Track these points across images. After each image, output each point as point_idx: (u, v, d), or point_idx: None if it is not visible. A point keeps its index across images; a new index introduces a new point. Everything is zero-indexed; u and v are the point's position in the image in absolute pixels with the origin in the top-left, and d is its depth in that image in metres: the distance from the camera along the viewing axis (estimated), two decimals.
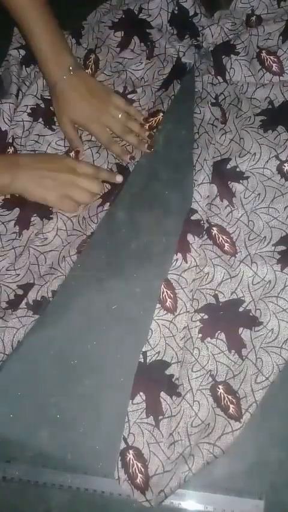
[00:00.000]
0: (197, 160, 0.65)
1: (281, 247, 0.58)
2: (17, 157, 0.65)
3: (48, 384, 0.56)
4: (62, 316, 0.60)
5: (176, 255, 0.60)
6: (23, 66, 0.75)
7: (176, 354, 0.55)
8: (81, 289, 0.61)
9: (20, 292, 0.59)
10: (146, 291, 0.60)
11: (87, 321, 0.59)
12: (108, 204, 0.65)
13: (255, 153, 0.63)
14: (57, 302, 0.60)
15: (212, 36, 0.74)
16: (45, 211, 0.64)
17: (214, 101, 0.69)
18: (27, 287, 0.60)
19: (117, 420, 0.53)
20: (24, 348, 0.58)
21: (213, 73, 0.71)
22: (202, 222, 0.61)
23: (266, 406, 0.53)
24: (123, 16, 0.76)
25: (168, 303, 0.58)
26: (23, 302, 0.58)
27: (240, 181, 0.63)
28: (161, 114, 0.70)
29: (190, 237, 0.60)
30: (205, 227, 0.61)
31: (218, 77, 0.71)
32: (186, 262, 0.59)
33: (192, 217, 0.61)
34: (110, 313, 0.59)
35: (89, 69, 0.74)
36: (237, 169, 0.63)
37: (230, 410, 0.51)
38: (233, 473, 0.52)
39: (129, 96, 0.71)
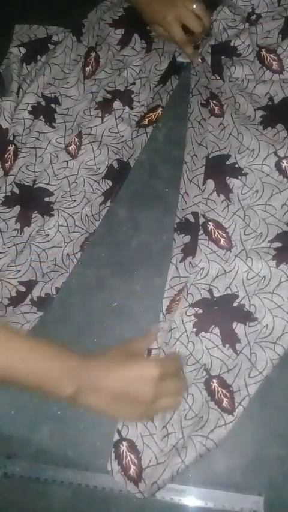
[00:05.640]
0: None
1: (277, 244, 0.58)
2: (87, 372, 0.48)
3: None
4: (63, 313, 0.60)
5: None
6: (24, 63, 0.75)
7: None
8: (82, 287, 0.61)
9: (22, 288, 0.60)
10: (147, 288, 0.60)
11: (88, 318, 0.59)
12: (109, 201, 0.65)
13: (253, 149, 0.63)
14: (59, 299, 0.60)
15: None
16: (46, 208, 0.65)
17: (204, 102, 0.69)
18: (29, 284, 0.60)
19: None
20: None
21: (210, 70, 0.71)
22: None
23: (266, 402, 0.53)
24: (124, 14, 0.77)
25: None
26: (27, 298, 0.59)
27: (239, 177, 0.63)
28: (160, 109, 0.70)
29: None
30: (201, 222, 0.61)
31: (215, 75, 0.71)
32: None
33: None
34: (111, 311, 0.59)
35: (90, 67, 0.74)
36: (236, 166, 0.63)
37: (224, 404, 0.51)
38: (232, 470, 0.52)
39: (128, 88, 0.71)
